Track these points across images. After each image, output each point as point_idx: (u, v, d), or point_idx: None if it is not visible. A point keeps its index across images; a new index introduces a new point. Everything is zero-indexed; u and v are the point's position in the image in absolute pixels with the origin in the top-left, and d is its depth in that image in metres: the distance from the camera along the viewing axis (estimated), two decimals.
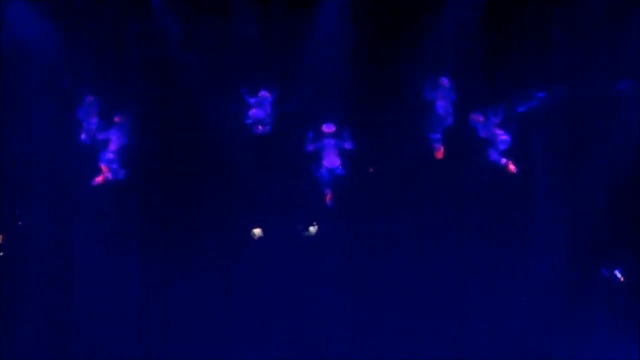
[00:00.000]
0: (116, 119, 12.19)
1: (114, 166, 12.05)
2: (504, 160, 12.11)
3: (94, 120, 12.09)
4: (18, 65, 12.04)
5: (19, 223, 12.38)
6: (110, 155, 12.05)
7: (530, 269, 12.21)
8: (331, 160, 12.02)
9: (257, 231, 12.57)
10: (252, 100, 12.29)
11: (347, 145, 12.07)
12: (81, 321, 12.10)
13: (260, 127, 12.27)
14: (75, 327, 12.11)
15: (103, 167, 12.05)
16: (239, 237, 12.45)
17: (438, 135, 12.21)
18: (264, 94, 12.28)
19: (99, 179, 12.04)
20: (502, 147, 12.15)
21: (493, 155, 12.18)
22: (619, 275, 12.20)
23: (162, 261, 12.25)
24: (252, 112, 12.29)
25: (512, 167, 12.09)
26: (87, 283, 12.13)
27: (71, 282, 12.16)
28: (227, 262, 12.36)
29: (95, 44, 12.12)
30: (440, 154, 12.23)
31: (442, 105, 12.20)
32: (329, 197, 12.11)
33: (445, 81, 12.21)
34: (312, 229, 12.61)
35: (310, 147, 12.15)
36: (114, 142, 12.10)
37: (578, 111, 12.16)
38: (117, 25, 12.18)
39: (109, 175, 12.04)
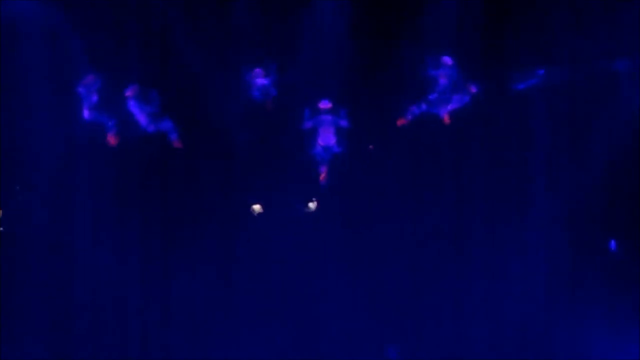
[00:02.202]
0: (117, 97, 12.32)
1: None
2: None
3: (95, 97, 12.22)
4: (18, 42, 12.13)
5: (19, 200, 12.50)
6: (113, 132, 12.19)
7: (529, 254, 12.24)
8: (326, 138, 12.02)
9: (257, 207, 12.66)
10: (250, 77, 12.30)
11: (343, 123, 12.05)
12: (80, 315, 12.17)
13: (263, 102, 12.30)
14: (74, 324, 12.18)
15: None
16: (236, 215, 12.51)
17: (439, 113, 12.18)
18: (260, 71, 12.29)
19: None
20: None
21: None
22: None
23: (160, 238, 12.34)
24: (256, 86, 12.31)
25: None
26: (86, 275, 12.24)
27: (70, 272, 12.24)
28: (226, 242, 12.43)
29: (96, 23, 12.15)
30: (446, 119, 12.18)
31: (444, 83, 12.14)
32: (323, 175, 12.14)
33: (447, 60, 12.12)
34: (312, 205, 12.67)
35: (308, 124, 12.16)
36: (116, 119, 12.24)
37: (577, 89, 12.07)
38: (117, 4, 12.27)
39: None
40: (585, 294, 11.90)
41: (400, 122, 12.14)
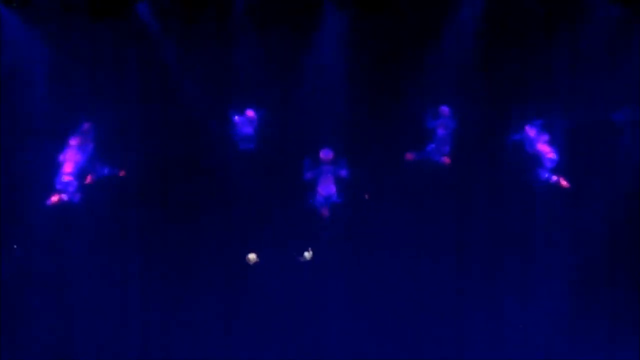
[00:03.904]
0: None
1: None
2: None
3: (91, 146, 12.09)
4: (16, 89, 12.14)
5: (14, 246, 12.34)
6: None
7: (532, 293, 12.23)
8: (326, 188, 12.03)
9: (252, 256, 12.58)
10: (241, 121, 12.32)
11: (343, 173, 12.08)
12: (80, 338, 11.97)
13: (248, 146, 12.27)
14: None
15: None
16: (234, 263, 12.37)
17: (438, 160, 12.29)
18: (252, 114, 12.34)
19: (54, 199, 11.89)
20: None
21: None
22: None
23: (158, 282, 12.17)
24: (242, 131, 12.33)
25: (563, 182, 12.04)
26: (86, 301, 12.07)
27: (70, 307, 12.06)
28: (223, 287, 12.25)
29: (91, 69, 12.24)
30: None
31: (442, 133, 12.25)
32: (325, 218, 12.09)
33: (445, 110, 12.26)
34: (307, 255, 12.63)
35: (308, 175, 12.14)
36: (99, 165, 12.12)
37: (576, 138, 12.25)
38: (114, 50, 12.29)
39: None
40: (586, 338, 11.93)
41: (409, 156, 12.20)
